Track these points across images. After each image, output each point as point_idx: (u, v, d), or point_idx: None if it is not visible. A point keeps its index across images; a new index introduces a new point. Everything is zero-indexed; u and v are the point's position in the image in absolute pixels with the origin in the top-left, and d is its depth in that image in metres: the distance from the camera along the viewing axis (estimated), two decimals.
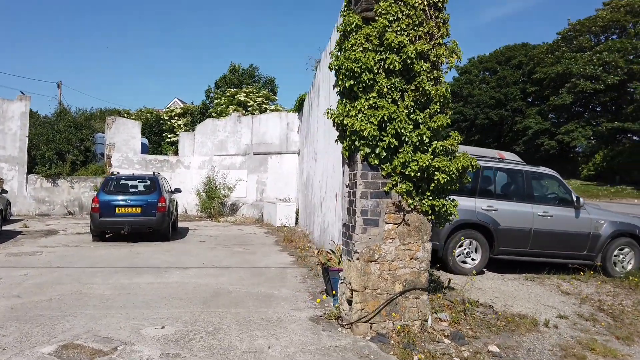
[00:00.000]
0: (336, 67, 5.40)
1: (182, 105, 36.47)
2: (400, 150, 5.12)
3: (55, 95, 79.28)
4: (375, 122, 5.04)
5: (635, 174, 30.78)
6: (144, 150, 24.10)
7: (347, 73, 5.19)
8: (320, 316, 5.68)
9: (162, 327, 5.08)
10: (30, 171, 20.51)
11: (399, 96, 5.19)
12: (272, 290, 6.88)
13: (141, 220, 11.78)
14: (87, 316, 5.40)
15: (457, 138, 5.27)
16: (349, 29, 5.29)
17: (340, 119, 5.27)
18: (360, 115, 5.14)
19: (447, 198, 5.31)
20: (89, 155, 23.63)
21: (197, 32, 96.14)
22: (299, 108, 19.38)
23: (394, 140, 5.04)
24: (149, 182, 12.54)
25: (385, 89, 5.14)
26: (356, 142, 5.14)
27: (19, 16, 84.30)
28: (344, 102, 5.42)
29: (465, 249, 7.91)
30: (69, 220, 18.47)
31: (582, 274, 8.22)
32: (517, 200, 8.11)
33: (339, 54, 5.43)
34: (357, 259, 5.18)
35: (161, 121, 30.74)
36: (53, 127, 22.79)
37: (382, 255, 5.20)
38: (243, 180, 21.52)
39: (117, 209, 11.72)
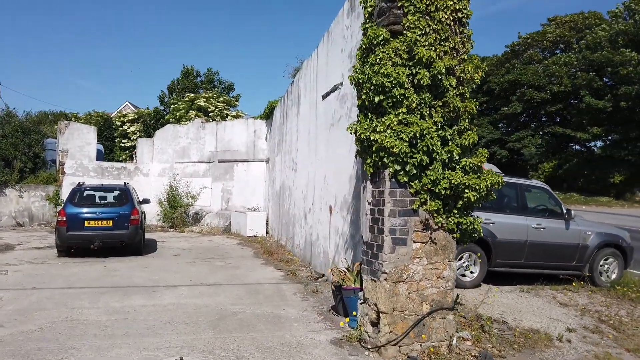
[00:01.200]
0: (359, 81, 5.24)
1: (134, 110, 35.07)
2: (430, 168, 5.02)
3: None
4: (407, 139, 4.91)
5: (581, 181, 32.65)
6: (100, 157, 22.84)
7: (375, 88, 5.04)
8: (341, 339, 5.46)
9: (181, 359, 4.68)
10: None
11: (427, 112, 5.09)
12: (278, 310, 6.58)
13: (113, 234, 11.06)
14: (92, 348, 4.90)
15: (484, 155, 5.24)
16: (375, 42, 5.15)
17: (367, 134, 5.11)
18: (389, 131, 4.99)
19: (472, 215, 5.27)
20: (38, 162, 22.11)
21: (147, 32, 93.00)
22: (267, 115, 19.05)
23: (425, 157, 4.94)
24: (119, 193, 11.81)
25: (414, 105, 5.03)
26: (385, 159, 4.99)
27: None
28: (369, 117, 5.26)
29: (464, 262, 7.95)
30: (20, 232, 17.13)
31: (574, 284, 8.47)
32: (512, 213, 8.27)
33: (364, 67, 5.26)
34: (385, 279, 5.02)
35: (113, 126, 29.39)
36: None
37: (410, 276, 5.07)
38: (208, 188, 20.85)
39: (86, 222, 10.93)
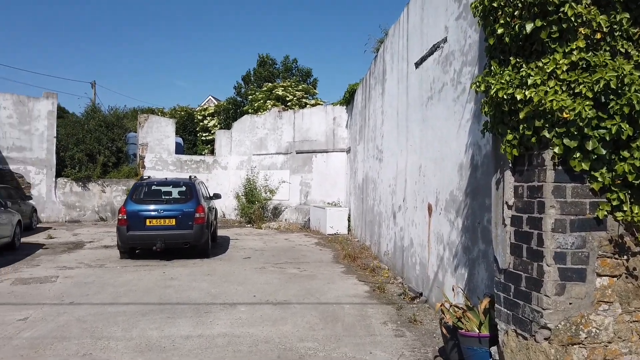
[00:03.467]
0: (492, 4, 3.16)
1: (216, 103, 34.89)
2: (632, 145, 2.84)
3: (85, 93, 79.64)
4: (590, 94, 2.78)
5: None
6: (179, 150, 22.43)
7: (524, 9, 2.95)
8: None
9: None
10: (59, 174, 19.09)
11: (625, 47, 2.90)
12: (363, 355, 4.70)
13: (176, 234, 9.85)
14: None
15: None
16: None
17: (508, 91, 3.03)
18: (552, 82, 2.89)
19: None
20: (121, 157, 22.15)
21: (224, 24, 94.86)
22: (347, 100, 17.16)
23: (625, 126, 2.77)
24: (184, 188, 10.60)
25: (600, 34, 2.87)
26: (545, 132, 2.90)
27: (53, 17, 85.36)
28: (511, 63, 3.17)
29: None
30: (100, 228, 16.88)
31: None
32: None
33: None
34: (547, 338, 2.94)
35: (195, 120, 29.11)
36: (83, 126, 21.35)
37: (592, 334, 2.94)
38: (285, 181, 19.49)
39: (147, 220, 9.82)
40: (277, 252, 11.35)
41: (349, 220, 15.64)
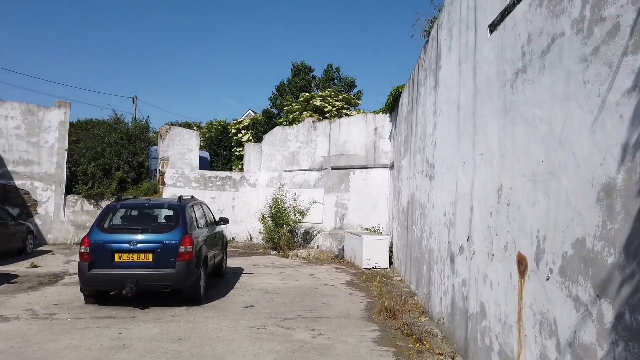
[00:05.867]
0: None
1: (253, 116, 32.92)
2: None
3: (108, 104, 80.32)
4: None
5: None
6: (204, 165, 20.30)
7: None
8: None
9: None
10: (69, 191, 17.34)
11: None
12: None
13: (153, 274, 7.37)
14: None
15: None
16: None
17: None
18: None
19: None
20: (142, 172, 20.29)
21: (256, 33, 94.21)
22: (391, 106, 14.38)
23: None
24: (169, 212, 8.14)
25: None
26: None
27: (98, 34, 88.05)
28: None
29: None
30: None
31: None
32: None
33: None
34: None
35: (230, 134, 27.13)
36: (103, 139, 19.68)
37: None
38: (317, 201, 16.83)
39: (116, 255, 7.40)
40: (293, 297, 8.63)
41: (391, 251, 12.73)
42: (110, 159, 18.94)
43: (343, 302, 8.40)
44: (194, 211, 8.57)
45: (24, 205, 16.12)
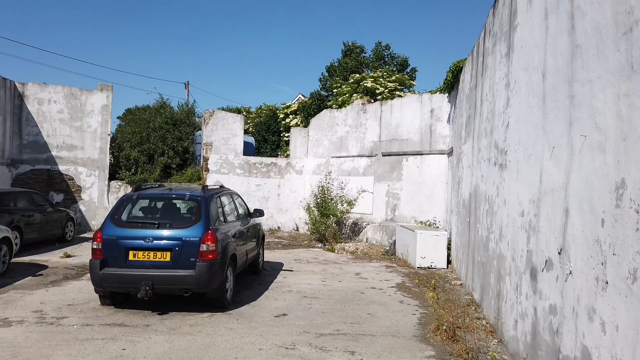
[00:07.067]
0: None
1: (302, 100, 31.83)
2: None
3: (154, 88, 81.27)
4: None
5: None
6: (249, 151, 19.45)
7: None
8: None
9: None
10: (113, 177, 17.02)
11: None
12: None
13: (170, 275, 6.42)
14: None
15: None
16: None
17: None
18: None
19: None
20: (187, 158, 19.76)
21: (305, 15, 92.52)
22: (450, 84, 12.73)
23: None
24: (190, 205, 7.15)
25: None
26: None
27: (150, 19, 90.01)
28: None
29: None
30: None
31: None
32: None
33: None
34: None
35: (278, 120, 26.21)
36: (148, 124, 19.29)
37: None
38: (366, 190, 15.51)
39: (130, 253, 6.51)
40: (334, 304, 7.46)
41: (449, 249, 11.27)
42: (155, 144, 18.52)
43: (392, 313, 7.12)
44: (221, 203, 7.54)
45: (69, 190, 15.93)
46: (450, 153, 12.66)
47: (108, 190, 16.53)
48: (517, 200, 5.49)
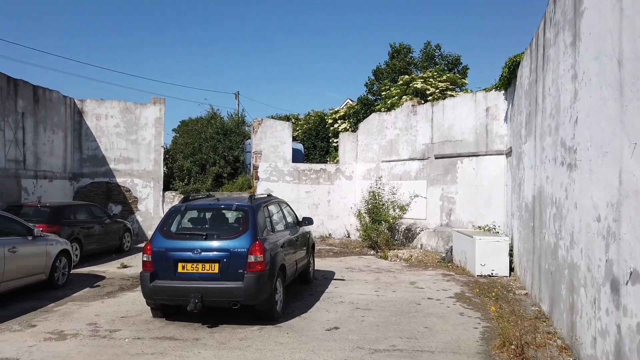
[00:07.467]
0: None
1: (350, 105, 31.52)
2: None
3: (205, 99, 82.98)
4: None
5: None
6: (298, 157, 19.38)
7: None
8: None
9: None
10: (167, 187, 17.42)
11: None
12: None
13: (218, 287, 6.28)
14: None
15: None
16: None
17: None
18: None
19: None
20: (238, 167, 19.97)
21: (352, 17, 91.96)
22: (506, 81, 12.01)
23: None
24: (237, 215, 7.01)
25: None
26: None
27: (200, 34, 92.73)
28: None
29: None
30: None
31: None
32: None
33: None
34: None
35: (326, 125, 26.05)
36: (200, 134, 19.67)
37: None
38: (421, 195, 14.95)
39: (180, 265, 6.44)
40: (388, 317, 7.07)
41: (510, 255, 10.56)
42: (206, 154, 18.83)
43: (452, 326, 6.65)
44: (269, 212, 7.37)
45: (126, 202, 16.44)
46: (508, 153, 11.92)
47: (163, 201, 16.91)
48: (591, 203, 4.92)
